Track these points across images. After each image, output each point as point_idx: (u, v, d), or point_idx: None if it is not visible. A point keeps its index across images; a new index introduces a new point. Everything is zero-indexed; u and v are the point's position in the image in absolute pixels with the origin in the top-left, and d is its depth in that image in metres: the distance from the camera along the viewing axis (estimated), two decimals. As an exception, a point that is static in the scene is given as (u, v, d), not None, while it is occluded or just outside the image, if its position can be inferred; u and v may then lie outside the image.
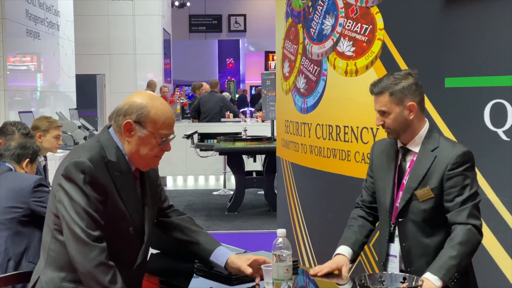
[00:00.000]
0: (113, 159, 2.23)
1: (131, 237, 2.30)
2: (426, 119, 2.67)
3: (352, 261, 2.72)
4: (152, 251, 2.74)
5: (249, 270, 2.41)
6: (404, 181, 2.62)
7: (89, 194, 2.14)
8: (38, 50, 9.23)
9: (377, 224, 2.82)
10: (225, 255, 2.51)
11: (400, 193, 2.63)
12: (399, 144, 2.66)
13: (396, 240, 2.65)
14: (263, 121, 10.79)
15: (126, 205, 2.26)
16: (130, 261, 2.32)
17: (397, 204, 2.63)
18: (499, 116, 3.07)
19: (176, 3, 20.60)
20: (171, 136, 2.32)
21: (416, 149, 2.61)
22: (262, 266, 2.38)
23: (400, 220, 2.62)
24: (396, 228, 2.65)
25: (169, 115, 2.31)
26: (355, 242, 2.72)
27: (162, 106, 2.28)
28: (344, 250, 2.69)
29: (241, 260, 2.47)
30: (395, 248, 2.66)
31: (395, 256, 2.65)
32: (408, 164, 2.63)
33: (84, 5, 12.61)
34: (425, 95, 3.37)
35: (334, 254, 2.70)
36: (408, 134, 2.60)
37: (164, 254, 2.96)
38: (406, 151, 2.65)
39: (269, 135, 8.95)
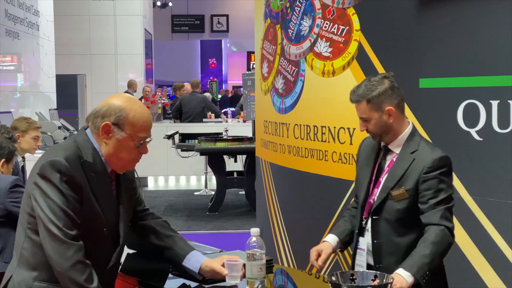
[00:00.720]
0: (89, 159, 2.23)
1: (105, 238, 2.30)
2: (408, 121, 2.71)
3: (341, 249, 2.80)
4: (128, 251, 2.74)
5: (225, 272, 2.41)
6: (381, 180, 2.67)
7: (65, 192, 2.14)
8: (17, 50, 9.18)
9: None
10: (199, 260, 2.51)
11: (376, 190, 2.68)
12: (382, 144, 2.71)
13: (367, 234, 2.71)
14: (244, 121, 10.81)
15: (101, 206, 2.26)
16: (103, 262, 2.32)
17: (371, 200, 2.69)
18: (471, 116, 3.12)
19: (158, 3, 20.53)
20: (148, 139, 2.32)
21: (397, 150, 2.65)
22: (225, 261, 2.40)
23: (374, 217, 2.66)
24: (368, 223, 2.70)
25: (147, 118, 2.31)
26: (343, 231, 2.79)
27: (140, 109, 2.29)
28: (330, 238, 2.76)
29: (215, 262, 2.47)
30: (364, 242, 2.72)
31: (364, 250, 2.70)
32: (387, 163, 2.68)
33: (65, 5, 12.55)
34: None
35: (321, 241, 2.76)
36: (391, 136, 2.64)
37: (140, 254, 2.97)
38: (387, 151, 2.70)
39: (250, 135, 8.96)
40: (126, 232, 2.41)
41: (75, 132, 8.85)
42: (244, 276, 2.40)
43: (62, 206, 2.12)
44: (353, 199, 2.96)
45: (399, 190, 2.58)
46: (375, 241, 2.66)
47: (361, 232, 2.74)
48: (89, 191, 2.22)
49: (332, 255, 2.84)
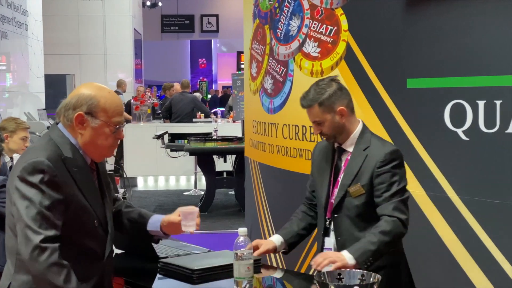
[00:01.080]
0: (69, 155, 2.22)
1: (97, 230, 2.31)
2: (358, 119, 2.78)
3: (285, 250, 2.83)
4: (116, 251, 2.74)
5: (178, 218, 2.46)
6: (339, 179, 2.74)
7: (47, 193, 2.12)
8: (6, 50, 9.14)
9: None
10: (158, 219, 2.54)
11: (335, 190, 2.74)
12: (336, 145, 2.78)
13: (332, 234, 2.77)
14: (234, 121, 10.81)
15: (88, 199, 2.26)
16: (100, 254, 2.33)
17: (332, 201, 2.75)
18: (458, 116, 3.13)
19: (148, 3, 20.49)
20: (123, 124, 2.34)
21: (351, 148, 2.73)
22: (180, 210, 2.43)
23: (335, 215, 2.74)
24: (332, 223, 2.77)
25: (119, 102, 2.33)
26: (288, 232, 2.84)
27: (110, 95, 2.31)
28: (275, 238, 2.82)
29: (172, 215, 2.51)
30: (330, 241, 2.78)
31: (330, 249, 2.75)
32: (343, 163, 2.75)
33: (53, 5, 12.51)
34: (387, 95, 3.47)
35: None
36: (343, 135, 2.72)
37: (128, 254, 2.97)
38: (342, 151, 2.77)
39: (240, 135, 8.95)
40: (112, 220, 2.42)
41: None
42: (198, 224, 2.47)
43: (40, 207, 2.10)
44: (303, 204, 2.99)
45: (356, 186, 2.66)
46: (338, 238, 2.73)
47: (326, 233, 2.80)
48: (75, 187, 2.22)
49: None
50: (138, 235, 2.63)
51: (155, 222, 2.53)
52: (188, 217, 2.43)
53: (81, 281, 2.17)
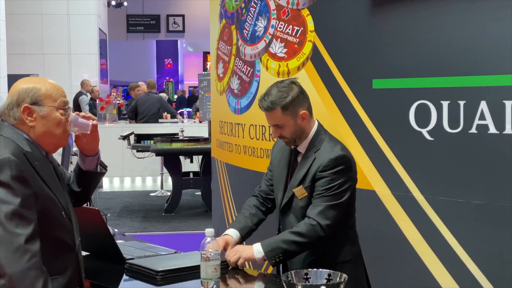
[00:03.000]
0: (28, 149, 2.19)
1: (65, 221, 2.28)
2: (315, 119, 2.79)
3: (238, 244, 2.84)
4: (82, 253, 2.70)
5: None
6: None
7: (18, 190, 2.08)
8: (-33, 49, 8.95)
9: (268, 215, 2.97)
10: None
11: None
12: (292, 146, 2.79)
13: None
14: (200, 122, 10.78)
15: (53, 191, 2.23)
16: (72, 244, 2.31)
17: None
18: (423, 116, 3.17)
19: (113, 3, 20.27)
20: (68, 105, 2.33)
21: (304, 150, 2.75)
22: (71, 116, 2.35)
23: (283, 215, 2.81)
24: (281, 222, 2.84)
25: (59, 86, 2.33)
26: (244, 227, 2.85)
27: (48, 81, 2.30)
28: (232, 232, 2.82)
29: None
30: None
31: None
32: (298, 164, 2.78)
33: (16, 4, 12.29)
34: (353, 96, 3.50)
35: (223, 234, 2.83)
36: (302, 138, 2.73)
37: (93, 256, 2.94)
38: (298, 153, 2.79)
39: (206, 135, 8.93)
40: (73, 209, 2.40)
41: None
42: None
43: (14, 206, 2.06)
44: (254, 197, 3.00)
45: (299, 188, 2.71)
46: None
47: (279, 231, 2.86)
48: (40, 181, 2.18)
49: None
50: (87, 183, 2.58)
51: (80, 159, 2.52)
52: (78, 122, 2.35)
53: (58, 274, 2.17)
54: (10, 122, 2.24)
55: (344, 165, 2.65)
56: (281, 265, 2.81)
